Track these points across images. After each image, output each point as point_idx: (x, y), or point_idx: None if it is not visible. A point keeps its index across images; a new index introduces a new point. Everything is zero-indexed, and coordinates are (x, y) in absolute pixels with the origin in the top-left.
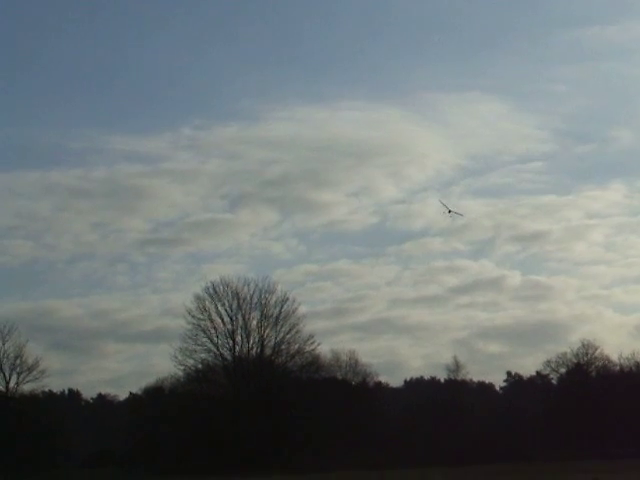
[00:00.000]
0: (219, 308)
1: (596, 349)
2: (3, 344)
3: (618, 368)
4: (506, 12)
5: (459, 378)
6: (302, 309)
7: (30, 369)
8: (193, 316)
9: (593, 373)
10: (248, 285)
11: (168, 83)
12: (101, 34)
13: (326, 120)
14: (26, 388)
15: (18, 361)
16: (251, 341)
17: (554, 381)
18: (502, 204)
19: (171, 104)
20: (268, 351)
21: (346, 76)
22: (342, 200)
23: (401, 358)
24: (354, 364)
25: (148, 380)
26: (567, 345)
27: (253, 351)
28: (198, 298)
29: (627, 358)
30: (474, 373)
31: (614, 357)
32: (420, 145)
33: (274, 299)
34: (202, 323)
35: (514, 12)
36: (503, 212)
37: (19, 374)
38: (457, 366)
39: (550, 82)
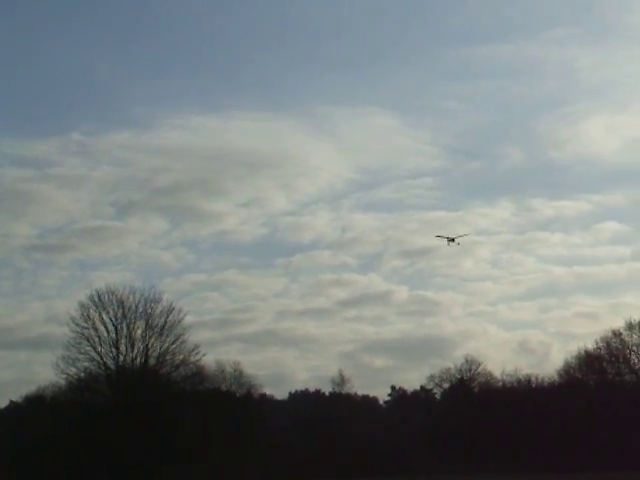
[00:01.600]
0: (103, 317)
1: (479, 365)
2: None
3: (500, 384)
4: (399, 27)
5: (344, 391)
6: (188, 319)
7: None
8: (77, 324)
9: (476, 389)
10: (134, 294)
11: (59, 87)
12: None
13: (219, 129)
14: None
15: None
16: (135, 351)
17: (438, 396)
18: (392, 219)
19: (61, 109)
20: (152, 361)
21: (240, 86)
22: (232, 210)
23: (287, 370)
24: (239, 375)
25: (29, 388)
26: (452, 360)
27: (137, 361)
28: (82, 306)
29: (509, 374)
30: (359, 387)
31: (497, 373)
32: (312, 158)
33: (160, 309)
34: (86, 331)
35: (407, 27)
36: (392, 227)
37: None
38: (342, 379)
39: (442, 98)
